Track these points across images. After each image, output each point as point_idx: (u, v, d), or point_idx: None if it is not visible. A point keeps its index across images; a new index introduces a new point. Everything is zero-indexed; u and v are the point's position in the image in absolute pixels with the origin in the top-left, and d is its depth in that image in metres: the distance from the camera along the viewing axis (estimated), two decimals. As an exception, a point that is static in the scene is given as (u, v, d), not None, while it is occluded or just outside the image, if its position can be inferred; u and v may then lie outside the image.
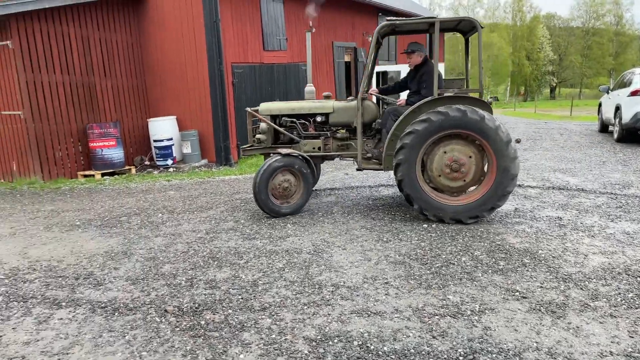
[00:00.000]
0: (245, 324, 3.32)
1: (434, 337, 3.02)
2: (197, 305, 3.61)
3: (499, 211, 5.82)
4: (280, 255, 4.59)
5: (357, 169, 6.02)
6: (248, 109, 6.28)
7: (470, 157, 5.19)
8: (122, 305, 3.66)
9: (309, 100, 6.42)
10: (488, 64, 54.03)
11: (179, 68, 10.55)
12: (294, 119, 6.17)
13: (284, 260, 4.46)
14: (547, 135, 14.16)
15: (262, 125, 6.17)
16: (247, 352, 2.97)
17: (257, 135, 6.23)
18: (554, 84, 65.72)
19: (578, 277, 3.85)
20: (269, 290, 3.84)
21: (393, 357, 2.83)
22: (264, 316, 3.42)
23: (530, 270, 4.04)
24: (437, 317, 3.29)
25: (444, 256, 4.40)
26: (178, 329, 3.29)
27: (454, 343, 2.95)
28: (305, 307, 3.51)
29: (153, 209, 6.55)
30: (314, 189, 7.22)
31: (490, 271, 4.03)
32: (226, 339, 3.13)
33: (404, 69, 20.90)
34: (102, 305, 3.67)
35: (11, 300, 3.83)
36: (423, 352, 2.86)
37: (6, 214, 6.64)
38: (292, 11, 12.45)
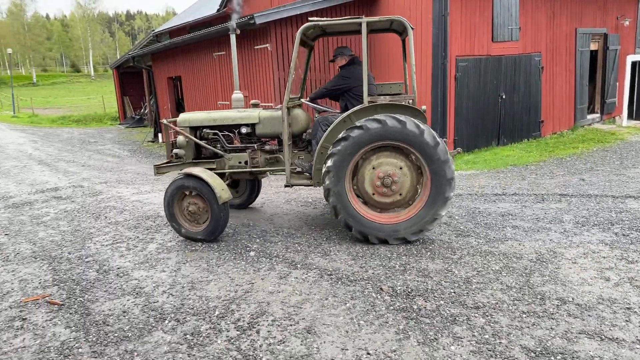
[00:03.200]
0: (457, 318, 3.32)
1: (695, 386, 2.47)
2: (409, 290, 3.77)
3: None
4: (497, 257, 4.38)
5: (285, 185, 5.34)
6: (164, 120, 5.59)
7: (401, 168, 4.73)
8: (344, 276, 4.10)
9: (233, 109, 5.74)
10: None
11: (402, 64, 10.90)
12: (217, 131, 5.51)
13: (501, 263, 4.24)
14: None
15: (180, 138, 5.50)
16: (458, 344, 2.98)
17: (175, 150, 5.55)
18: None
19: None
20: (483, 290, 3.73)
21: (634, 393, 2.43)
22: (477, 315, 3.35)
23: None
24: (702, 363, 2.66)
25: None
26: (392, 307, 3.51)
27: None
28: (524, 316, 3.30)
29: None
30: (250, 205, 6.59)
31: None
32: (437, 328, 3.20)
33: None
34: (329, 272, 4.19)
35: (261, 256, 4.70)
36: (678, 399, 2.37)
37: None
38: (530, -3, 11.40)
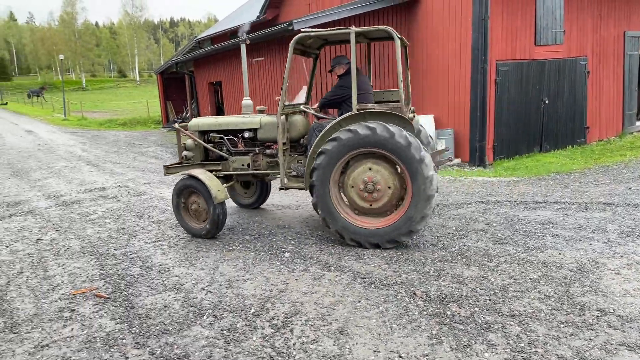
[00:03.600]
0: (492, 325, 3.28)
1: None
2: (443, 296, 3.75)
3: None
4: (535, 266, 4.28)
5: (280, 188, 5.51)
6: (176, 125, 6.04)
7: (370, 169, 4.85)
8: (377, 279, 4.12)
9: (238, 115, 6.09)
10: None
11: (442, 68, 10.80)
12: (222, 135, 5.86)
13: (540, 272, 4.15)
14: None
15: (188, 141, 5.93)
16: (492, 352, 2.95)
17: (184, 152, 5.98)
18: None
19: None
20: (519, 298, 3.67)
21: (678, 410, 2.34)
22: (512, 323, 3.30)
23: None
24: None
25: None
26: (425, 312, 3.51)
27: None
28: (562, 326, 3.22)
29: (407, 200, 7.00)
30: (260, 207, 6.89)
31: None
32: (471, 334, 3.18)
33: None
34: (362, 276, 4.22)
35: (295, 257, 4.79)
36: None
37: (293, 190, 8.21)
38: (575, -1, 11.05)
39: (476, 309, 3.54)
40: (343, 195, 5.10)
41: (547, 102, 10.83)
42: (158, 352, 3.15)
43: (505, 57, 10.33)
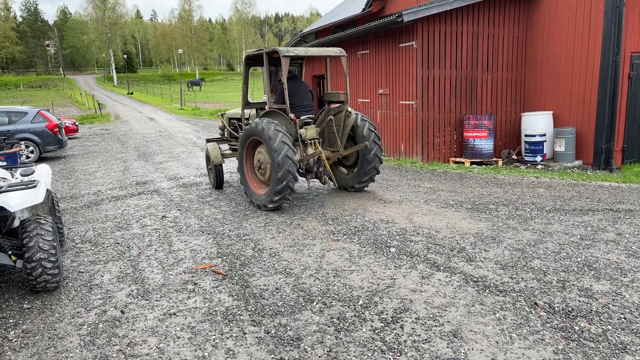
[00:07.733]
0: (628, 347, 2.94)
1: None
2: (570, 309, 3.44)
3: None
4: (682, 287, 3.74)
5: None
6: (219, 113, 8.63)
7: (262, 153, 6.43)
8: (492, 285, 3.90)
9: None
10: None
11: (565, 61, 9.86)
12: (235, 121, 8.29)
13: (688, 294, 3.61)
14: None
15: (220, 123, 8.81)
16: (633, 378, 2.64)
17: (219, 130, 8.89)
18: None
19: None
20: (664, 321, 3.23)
21: None
22: (656, 348, 2.92)
23: None
24: None
25: None
26: (549, 325, 3.24)
27: None
28: None
29: (521, 202, 6.53)
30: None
31: None
32: (604, 354, 2.87)
33: None
34: (474, 279, 4.02)
35: (401, 253, 4.72)
36: None
37: (395, 185, 8.11)
38: None
39: (609, 326, 3.19)
40: (255, 168, 6.67)
41: None
42: (273, 332, 3.30)
43: (644, 49, 9.15)
